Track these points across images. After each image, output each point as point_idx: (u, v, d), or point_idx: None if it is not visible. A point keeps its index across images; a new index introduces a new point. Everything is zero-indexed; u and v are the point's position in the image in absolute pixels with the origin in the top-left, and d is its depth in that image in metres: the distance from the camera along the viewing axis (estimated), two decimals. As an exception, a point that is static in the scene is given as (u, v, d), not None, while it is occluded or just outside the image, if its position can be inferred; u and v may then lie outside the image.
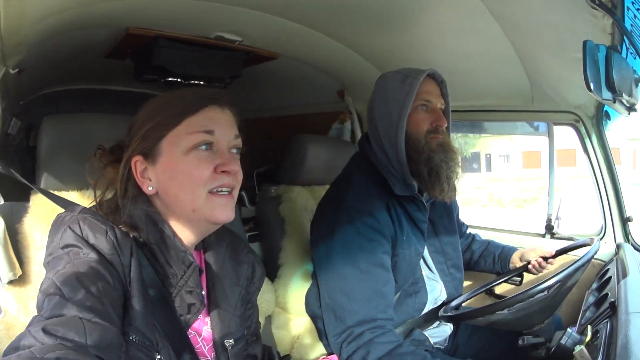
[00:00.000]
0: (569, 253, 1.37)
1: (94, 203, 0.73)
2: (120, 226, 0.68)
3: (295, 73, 1.58)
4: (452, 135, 1.26)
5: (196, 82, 1.46)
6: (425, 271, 1.24)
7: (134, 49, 1.39)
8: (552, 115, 1.52)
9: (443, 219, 1.30)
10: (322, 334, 1.26)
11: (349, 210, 1.10)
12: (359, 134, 1.73)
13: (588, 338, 0.89)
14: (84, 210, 0.68)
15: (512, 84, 1.46)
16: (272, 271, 1.33)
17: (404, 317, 1.19)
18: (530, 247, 1.38)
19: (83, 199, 0.94)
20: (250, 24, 1.27)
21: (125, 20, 1.21)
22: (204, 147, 0.69)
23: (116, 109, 1.94)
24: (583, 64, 0.84)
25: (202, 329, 0.76)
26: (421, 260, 1.24)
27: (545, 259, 1.34)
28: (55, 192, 0.91)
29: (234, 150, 0.73)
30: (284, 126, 1.78)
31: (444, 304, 1.27)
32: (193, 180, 0.68)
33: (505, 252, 1.42)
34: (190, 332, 0.74)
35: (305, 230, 1.32)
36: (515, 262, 1.39)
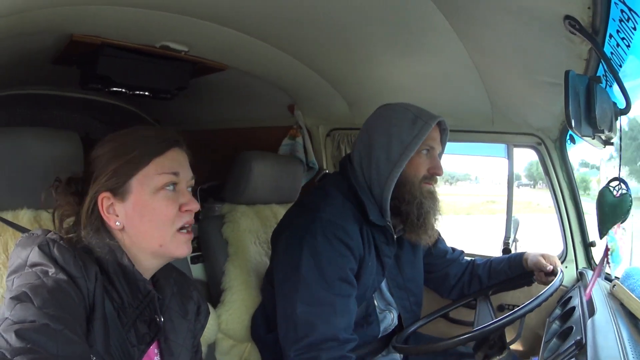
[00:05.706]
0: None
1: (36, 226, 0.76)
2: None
3: (244, 85, 1.52)
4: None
5: (141, 92, 1.38)
6: (379, 303, 1.20)
7: (79, 56, 1.33)
8: (512, 137, 1.49)
9: (409, 255, 1.26)
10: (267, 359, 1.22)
11: (323, 221, 1.07)
12: (310, 150, 1.68)
13: None
14: (51, 233, 0.69)
15: (472, 104, 1.41)
16: (215, 296, 1.28)
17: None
18: (535, 254, 1.29)
19: (16, 220, 0.87)
20: (197, 33, 1.21)
21: (69, 26, 1.16)
22: (170, 187, 0.74)
23: (67, 115, 1.88)
24: (565, 96, 0.77)
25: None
26: (376, 293, 1.20)
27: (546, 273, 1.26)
28: None
29: (189, 189, 0.78)
30: (232, 139, 1.71)
31: (393, 332, 1.23)
32: (162, 219, 0.73)
33: (514, 260, 1.33)
34: None
35: (250, 253, 1.27)
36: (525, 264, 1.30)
